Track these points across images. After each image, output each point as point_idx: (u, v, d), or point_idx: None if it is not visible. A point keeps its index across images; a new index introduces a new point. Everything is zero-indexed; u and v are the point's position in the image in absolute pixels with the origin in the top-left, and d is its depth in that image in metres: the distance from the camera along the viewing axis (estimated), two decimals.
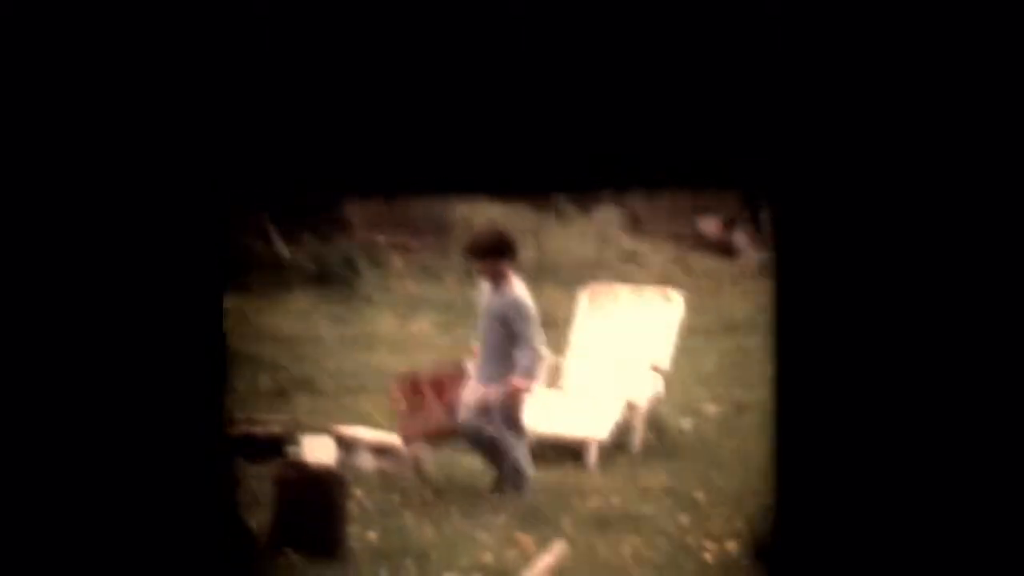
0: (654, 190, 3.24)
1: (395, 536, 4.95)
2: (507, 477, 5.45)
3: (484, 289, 5.52)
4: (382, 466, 5.82)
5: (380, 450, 5.86)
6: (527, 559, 4.76)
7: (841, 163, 2.73)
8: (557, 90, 2.79)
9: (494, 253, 5.38)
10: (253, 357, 7.63)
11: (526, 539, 4.96)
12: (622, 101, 2.80)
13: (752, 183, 3.00)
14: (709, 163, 2.84)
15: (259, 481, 5.20)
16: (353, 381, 7.30)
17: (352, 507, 5.03)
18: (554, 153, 2.85)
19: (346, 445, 5.74)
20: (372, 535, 4.93)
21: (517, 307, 5.35)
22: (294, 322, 8.29)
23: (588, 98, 2.80)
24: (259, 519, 4.81)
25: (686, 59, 2.77)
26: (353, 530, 4.87)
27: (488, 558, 4.80)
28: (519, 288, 5.43)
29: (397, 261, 9.93)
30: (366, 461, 5.83)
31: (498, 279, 5.38)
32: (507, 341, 5.38)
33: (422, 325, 8.86)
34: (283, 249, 9.49)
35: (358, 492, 5.27)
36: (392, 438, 5.93)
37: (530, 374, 5.43)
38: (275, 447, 5.73)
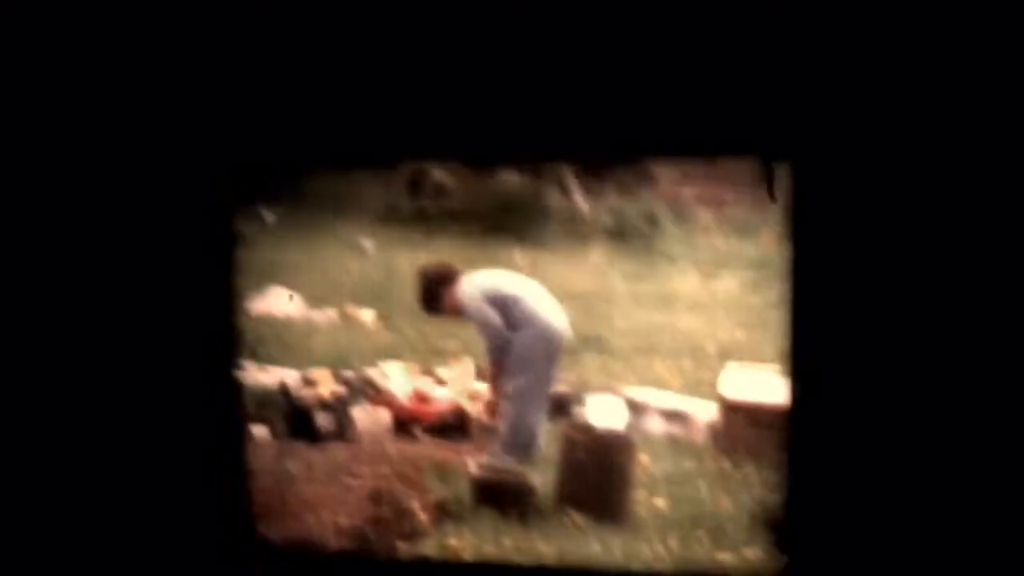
0: (673, 158, 3.25)
1: (687, 505, 4.71)
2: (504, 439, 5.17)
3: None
4: (673, 432, 5.60)
5: (671, 415, 5.64)
6: None
7: (862, 127, 2.69)
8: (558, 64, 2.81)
9: (435, 299, 5.25)
10: None
11: None
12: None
13: (769, 148, 2.85)
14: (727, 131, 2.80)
15: (545, 439, 5.16)
16: (645, 342, 7.06)
17: (639, 473, 4.84)
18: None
19: (635, 408, 5.60)
20: (660, 502, 4.73)
21: (469, 313, 5.19)
22: (588, 278, 8.18)
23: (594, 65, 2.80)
24: (544, 477, 4.76)
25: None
26: (640, 496, 4.70)
27: None
28: (466, 295, 5.20)
29: (705, 215, 9.55)
30: (656, 426, 5.63)
31: (460, 310, 5.21)
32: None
33: (728, 284, 8.47)
34: (582, 203, 9.42)
35: (644, 457, 5.05)
36: (685, 403, 5.70)
37: (493, 371, 5.25)
38: (562, 406, 5.69)
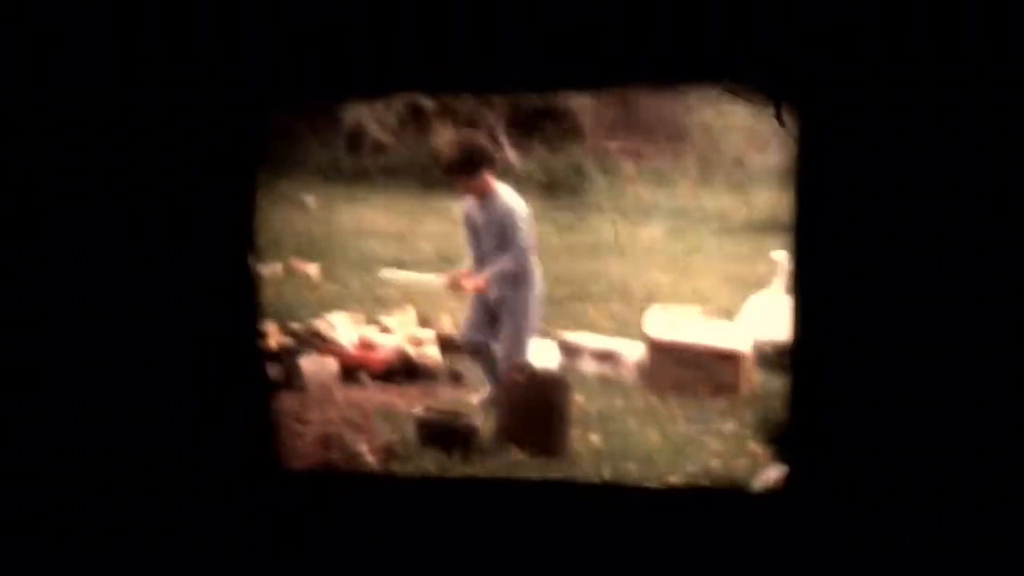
0: (676, 85, 3.16)
1: (618, 440, 4.96)
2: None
3: (468, 202, 5.16)
4: (604, 372, 5.82)
5: (602, 356, 5.86)
6: (759, 469, 4.57)
7: (867, 63, 2.64)
8: None
9: (471, 166, 4.98)
10: None
11: (759, 450, 4.80)
12: None
13: (777, 80, 2.79)
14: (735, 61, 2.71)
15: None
16: (578, 288, 7.27)
17: (574, 411, 5.05)
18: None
19: (569, 351, 5.83)
20: (595, 438, 4.97)
21: (512, 216, 5.02)
22: None
23: None
24: (486, 418, 4.99)
25: None
26: (575, 433, 4.92)
27: (716, 465, 4.71)
28: (506, 195, 5.08)
29: (628, 167, 9.80)
30: (589, 367, 5.85)
31: (484, 192, 5.04)
32: (502, 251, 5.08)
33: (653, 232, 8.75)
34: (512, 157, 9.58)
35: (580, 397, 5.28)
36: (615, 344, 5.92)
37: (499, 275, 5.09)
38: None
